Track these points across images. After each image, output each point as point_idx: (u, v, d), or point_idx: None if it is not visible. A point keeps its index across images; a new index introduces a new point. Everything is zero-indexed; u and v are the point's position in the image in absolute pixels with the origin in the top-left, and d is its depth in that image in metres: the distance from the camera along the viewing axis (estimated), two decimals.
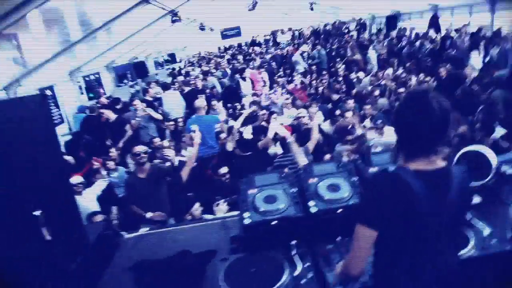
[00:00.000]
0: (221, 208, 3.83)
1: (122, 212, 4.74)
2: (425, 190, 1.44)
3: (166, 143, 6.62)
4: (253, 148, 5.20)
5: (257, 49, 17.89)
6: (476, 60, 8.56)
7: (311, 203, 2.19)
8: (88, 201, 4.64)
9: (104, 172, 5.41)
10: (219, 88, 10.33)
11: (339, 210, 2.16)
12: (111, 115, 6.98)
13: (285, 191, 2.35)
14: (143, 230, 3.01)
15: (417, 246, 1.51)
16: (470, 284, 1.65)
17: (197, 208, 4.32)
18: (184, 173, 4.50)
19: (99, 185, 5.08)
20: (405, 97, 1.55)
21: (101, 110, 7.04)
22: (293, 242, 2.03)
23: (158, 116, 7.58)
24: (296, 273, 1.87)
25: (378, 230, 1.49)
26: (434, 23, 12.98)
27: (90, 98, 9.26)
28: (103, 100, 7.87)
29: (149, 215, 4.13)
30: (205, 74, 11.53)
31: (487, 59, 8.19)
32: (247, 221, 2.16)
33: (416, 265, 1.53)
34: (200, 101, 6.42)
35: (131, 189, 4.45)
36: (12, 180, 2.13)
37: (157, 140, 6.55)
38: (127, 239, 2.91)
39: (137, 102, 7.69)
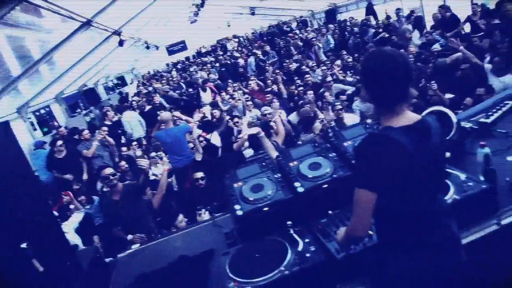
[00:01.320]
0: (204, 217, 3.85)
1: (105, 239, 4.64)
2: (413, 143, 1.55)
3: (139, 152, 6.53)
4: (225, 151, 5.28)
5: (205, 59, 17.93)
6: (415, 38, 9.16)
7: (296, 184, 2.29)
8: (68, 234, 4.52)
9: (78, 204, 5.24)
10: (165, 104, 10.29)
11: (325, 186, 2.27)
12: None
13: (269, 178, 2.44)
14: (135, 246, 2.98)
15: (414, 198, 1.62)
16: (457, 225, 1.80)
17: (181, 220, 4.32)
18: (155, 202, 4.47)
19: (75, 218, 4.96)
20: (369, 56, 1.65)
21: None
22: (289, 223, 2.11)
23: (111, 141, 7.21)
24: (300, 248, 1.96)
25: (377, 192, 1.56)
26: (370, 10, 13.69)
27: (44, 133, 8.92)
28: (62, 130, 7.61)
29: (129, 237, 4.05)
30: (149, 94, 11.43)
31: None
32: (239, 213, 2.22)
33: (414, 216, 1.64)
34: (166, 114, 6.23)
35: (108, 213, 4.35)
36: None
37: (123, 163, 6.43)
38: (120, 258, 2.88)
39: (85, 132, 7.27)
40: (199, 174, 4.72)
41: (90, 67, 11.73)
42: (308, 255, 1.92)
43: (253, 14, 17.41)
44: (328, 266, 1.89)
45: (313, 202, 2.26)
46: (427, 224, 1.66)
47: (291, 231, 2.07)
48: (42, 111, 9.43)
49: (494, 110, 3.29)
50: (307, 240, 2.03)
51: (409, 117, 1.64)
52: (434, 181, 1.68)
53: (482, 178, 2.22)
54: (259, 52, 12.89)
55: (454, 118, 2.88)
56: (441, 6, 9.20)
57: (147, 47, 15.87)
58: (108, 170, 4.28)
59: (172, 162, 5.99)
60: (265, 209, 2.23)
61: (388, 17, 11.82)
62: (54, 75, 9.62)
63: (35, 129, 8.92)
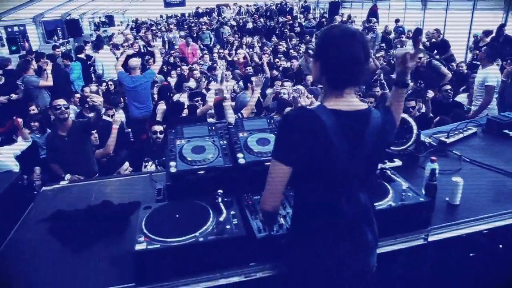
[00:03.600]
0: (149, 170, 3.74)
1: (46, 173, 4.45)
2: (339, 128, 1.44)
3: (94, 87, 6.26)
4: (189, 111, 5.15)
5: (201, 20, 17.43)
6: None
7: (239, 155, 2.19)
8: (5, 157, 4.31)
9: (27, 132, 4.93)
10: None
11: (268, 163, 2.17)
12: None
13: (214, 143, 2.33)
14: (64, 183, 2.83)
15: (331, 186, 1.52)
16: (384, 229, 1.75)
17: (126, 168, 4.18)
18: (99, 155, 4.31)
19: (19, 145, 4.71)
20: (330, 28, 1.53)
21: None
22: (219, 191, 2.02)
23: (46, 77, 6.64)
24: (221, 218, 1.86)
25: (292, 166, 1.47)
26: (373, 13, 13.61)
27: (12, 52, 8.41)
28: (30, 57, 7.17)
29: (67, 177, 3.85)
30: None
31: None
32: (173, 170, 2.11)
33: (325, 209, 1.54)
34: (135, 60, 5.90)
35: (52, 147, 4.12)
36: None
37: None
38: (44, 191, 2.73)
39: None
40: (159, 128, 4.53)
41: None
42: (228, 227, 1.83)
43: None
44: (246, 242, 1.81)
45: (251, 177, 2.17)
46: (337, 223, 1.54)
47: (219, 200, 1.98)
48: (16, 29, 8.90)
49: (456, 132, 3.30)
50: (232, 212, 1.94)
51: (352, 104, 1.52)
52: (357, 178, 1.55)
53: (423, 192, 2.19)
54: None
55: (415, 130, 2.86)
56: (436, 29, 9.37)
57: None
58: (61, 101, 4.04)
59: (131, 110, 5.80)
60: (201, 172, 2.13)
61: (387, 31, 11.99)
62: None
63: (2, 45, 8.42)
